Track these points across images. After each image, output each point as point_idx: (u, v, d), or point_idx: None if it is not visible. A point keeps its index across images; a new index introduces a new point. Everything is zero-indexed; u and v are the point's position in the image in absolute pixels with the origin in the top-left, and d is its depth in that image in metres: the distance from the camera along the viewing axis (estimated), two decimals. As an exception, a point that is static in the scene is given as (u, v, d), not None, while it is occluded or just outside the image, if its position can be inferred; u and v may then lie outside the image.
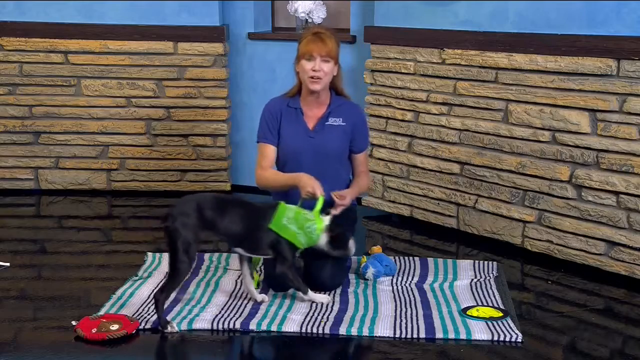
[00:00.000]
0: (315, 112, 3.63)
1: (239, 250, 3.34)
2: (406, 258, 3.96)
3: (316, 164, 3.55)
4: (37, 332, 3.16)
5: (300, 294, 3.38)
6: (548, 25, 3.94)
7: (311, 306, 3.33)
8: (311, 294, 3.38)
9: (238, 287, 3.55)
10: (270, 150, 3.60)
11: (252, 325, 3.13)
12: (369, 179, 3.80)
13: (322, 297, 3.40)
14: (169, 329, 3.10)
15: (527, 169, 4.05)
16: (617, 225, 3.72)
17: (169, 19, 5.12)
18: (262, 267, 3.60)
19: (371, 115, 4.81)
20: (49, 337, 3.09)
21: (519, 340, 3.04)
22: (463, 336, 3.07)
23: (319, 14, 5.16)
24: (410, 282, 3.68)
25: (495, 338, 3.05)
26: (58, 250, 4.24)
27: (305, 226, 3.29)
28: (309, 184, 3.35)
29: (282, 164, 3.62)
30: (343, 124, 3.63)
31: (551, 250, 4.00)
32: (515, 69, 4.08)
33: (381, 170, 4.79)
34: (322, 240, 3.35)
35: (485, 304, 3.39)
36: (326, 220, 3.36)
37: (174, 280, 3.14)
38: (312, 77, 3.50)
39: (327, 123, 3.61)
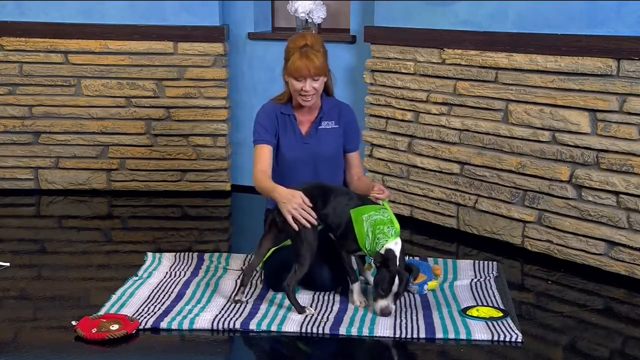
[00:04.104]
0: (308, 117, 3.62)
1: (332, 234, 3.38)
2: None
3: (313, 169, 3.57)
4: (37, 332, 3.16)
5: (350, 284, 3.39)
6: (548, 25, 3.94)
7: (311, 306, 3.33)
8: (356, 288, 3.36)
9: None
10: (267, 151, 3.55)
11: (252, 325, 3.13)
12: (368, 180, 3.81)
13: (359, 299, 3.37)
14: (307, 311, 3.23)
15: (527, 169, 4.05)
16: (617, 225, 3.72)
17: (169, 19, 5.12)
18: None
19: (371, 115, 4.81)
20: (49, 337, 3.09)
21: (519, 340, 3.03)
22: (463, 336, 3.07)
23: (319, 14, 5.16)
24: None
25: (495, 338, 3.05)
26: (58, 250, 4.24)
27: (376, 237, 3.22)
28: (288, 207, 3.26)
29: (280, 171, 3.60)
30: (336, 126, 3.63)
31: (551, 250, 4.00)
32: (515, 69, 4.08)
33: (381, 170, 4.79)
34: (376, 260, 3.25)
35: (485, 304, 3.39)
36: (397, 246, 3.22)
37: (302, 267, 3.26)
38: (303, 97, 3.49)
39: (320, 127, 3.61)
